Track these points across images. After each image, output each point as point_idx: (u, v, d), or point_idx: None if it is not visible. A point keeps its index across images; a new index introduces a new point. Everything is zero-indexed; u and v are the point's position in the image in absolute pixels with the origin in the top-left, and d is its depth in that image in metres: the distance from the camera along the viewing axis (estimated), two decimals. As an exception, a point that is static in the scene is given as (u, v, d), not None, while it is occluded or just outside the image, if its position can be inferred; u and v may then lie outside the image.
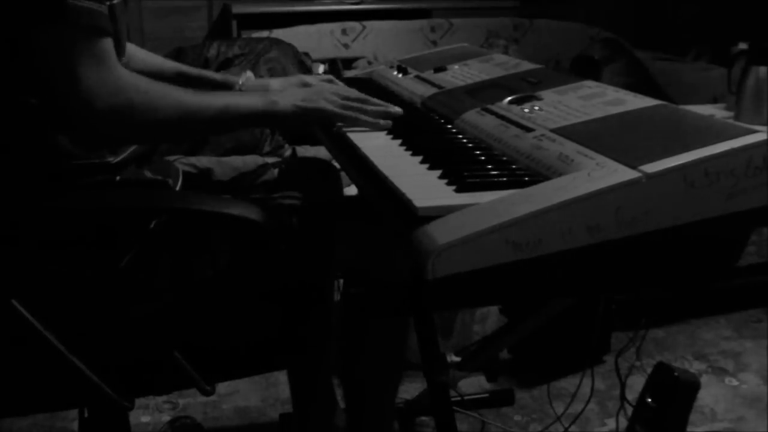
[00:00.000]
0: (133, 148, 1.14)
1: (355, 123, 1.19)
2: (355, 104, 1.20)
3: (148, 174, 1.18)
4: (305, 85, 1.34)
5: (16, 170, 1.05)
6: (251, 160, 1.39)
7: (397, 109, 1.23)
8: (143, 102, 1.01)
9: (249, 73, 1.43)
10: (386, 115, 1.22)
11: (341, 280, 1.47)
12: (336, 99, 1.19)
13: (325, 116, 1.18)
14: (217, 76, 1.46)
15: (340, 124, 1.26)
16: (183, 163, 1.32)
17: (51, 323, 1.03)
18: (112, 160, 1.10)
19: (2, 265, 1.03)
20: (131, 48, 1.36)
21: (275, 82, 1.39)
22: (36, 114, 1.03)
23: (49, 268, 1.06)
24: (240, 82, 1.38)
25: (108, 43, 1.00)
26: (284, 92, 1.19)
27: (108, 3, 1.01)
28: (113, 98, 0.98)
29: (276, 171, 1.36)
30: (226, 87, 1.38)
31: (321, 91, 1.20)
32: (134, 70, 1.09)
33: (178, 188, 1.20)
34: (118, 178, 1.11)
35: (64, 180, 1.06)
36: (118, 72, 1.00)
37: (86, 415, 1.37)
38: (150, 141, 1.19)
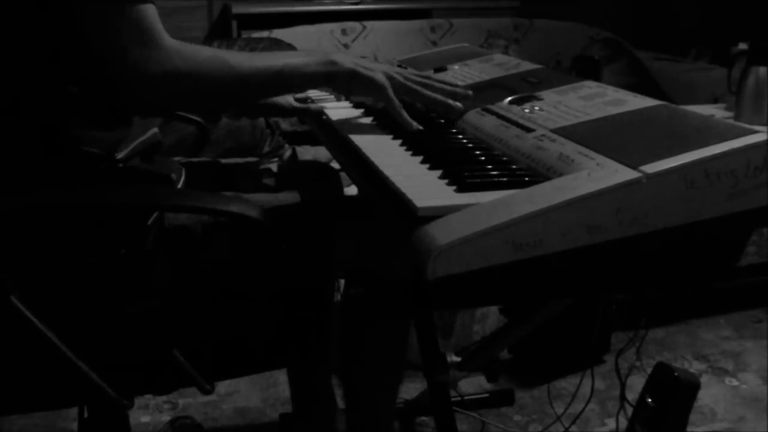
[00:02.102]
0: (134, 144, 1.14)
1: (397, 114, 1.18)
2: (413, 86, 1.20)
3: (150, 168, 1.18)
4: None
5: (21, 159, 1.05)
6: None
7: (466, 92, 1.23)
8: (195, 67, 1.02)
9: None
10: (453, 96, 1.21)
11: (342, 281, 1.46)
12: (396, 77, 1.18)
13: (377, 88, 1.17)
14: None
15: (341, 125, 1.26)
16: (184, 162, 1.33)
17: (50, 321, 1.03)
18: (116, 155, 1.10)
19: (1, 262, 1.03)
20: None
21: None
22: (63, 100, 1.03)
23: (49, 264, 1.06)
24: None
25: (151, 11, 1.00)
26: (344, 54, 1.19)
27: None
28: (164, 66, 0.99)
29: (275, 166, 1.36)
30: None
31: (381, 65, 1.21)
32: None
33: (180, 185, 1.21)
34: (120, 165, 1.11)
35: (67, 168, 1.06)
36: (165, 42, 1.00)
37: (86, 414, 1.37)
38: (206, 106, 1.20)
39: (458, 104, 1.21)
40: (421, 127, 1.17)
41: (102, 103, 1.03)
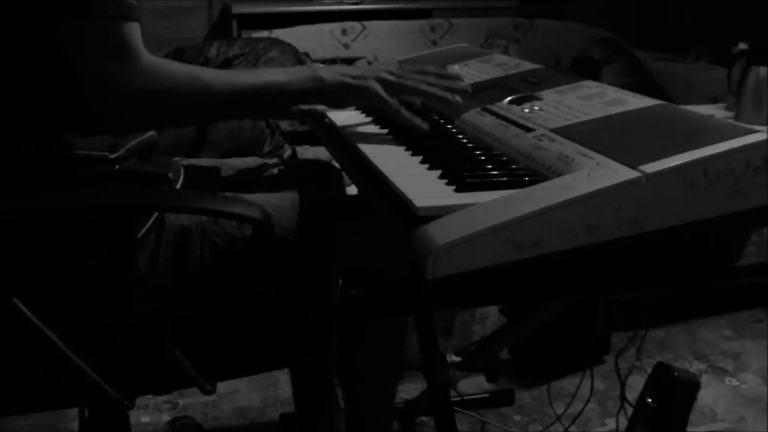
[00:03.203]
0: (131, 144, 1.14)
1: (396, 114, 1.16)
2: (408, 83, 1.17)
3: (148, 168, 1.18)
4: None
5: (17, 164, 1.05)
6: (251, 162, 1.39)
7: (465, 87, 1.22)
8: (168, 86, 1.02)
9: None
10: (450, 91, 1.19)
11: (341, 280, 1.46)
12: (388, 78, 1.16)
13: (370, 96, 1.15)
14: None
15: (341, 125, 1.26)
16: (183, 164, 1.33)
17: (51, 322, 1.03)
18: (109, 154, 1.10)
19: (3, 263, 1.03)
20: None
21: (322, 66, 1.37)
22: (45, 106, 1.03)
23: (50, 265, 1.06)
24: None
25: (134, 30, 1.00)
26: (330, 68, 1.17)
27: None
28: (139, 86, 0.99)
29: (276, 171, 1.36)
30: None
31: (372, 70, 1.18)
32: None
33: (179, 186, 1.21)
34: (117, 167, 1.11)
35: (63, 171, 1.06)
36: (142, 59, 1.00)
37: (86, 414, 1.37)
38: (183, 123, 1.19)
39: (457, 98, 1.19)
40: (427, 126, 1.16)
41: (80, 115, 1.03)
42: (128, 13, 0.99)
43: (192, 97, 1.05)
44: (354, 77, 1.15)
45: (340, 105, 1.21)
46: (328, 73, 1.14)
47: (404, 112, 1.16)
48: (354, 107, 1.30)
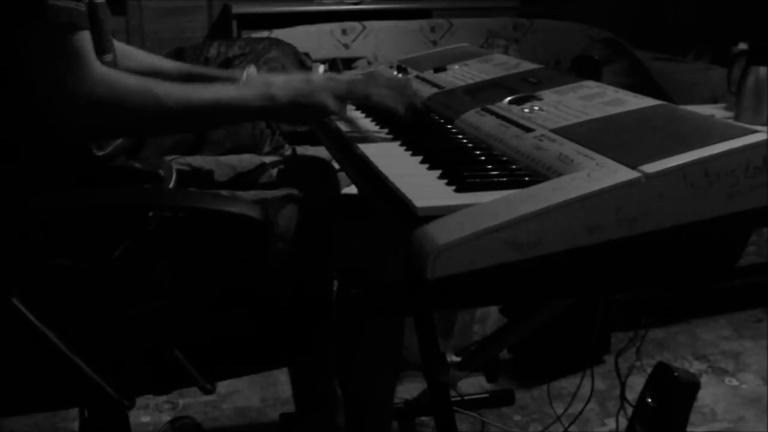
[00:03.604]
0: (118, 141, 1.14)
1: (349, 122, 1.20)
2: (359, 92, 1.20)
3: (138, 165, 1.18)
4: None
5: (13, 166, 1.05)
6: (248, 160, 1.39)
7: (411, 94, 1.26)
8: (119, 98, 1.01)
9: (252, 68, 1.41)
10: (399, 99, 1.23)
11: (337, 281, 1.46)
12: (337, 88, 1.17)
13: (322, 112, 1.17)
14: (220, 73, 1.46)
15: (341, 125, 1.26)
16: (179, 162, 1.32)
17: (51, 322, 1.03)
18: (97, 152, 1.10)
19: (2, 264, 1.03)
20: (130, 49, 1.36)
21: (278, 79, 1.37)
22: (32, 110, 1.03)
23: (49, 265, 1.06)
24: (243, 78, 1.38)
25: (85, 40, 1.00)
26: (285, 85, 1.17)
27: (87, 0, 1.02)
28: (88, 95, 0.99)
29: (275, 171, 1.35)
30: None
31: (323, 86, 1.18)
32: (129, 70, 1.08)
33: (171, 185, 1.20)
34: (108, 165, 1.11)
35: (54, 172, 1.06)
36: (91, 70, 1.00)
37: (86, 414, 1.37)
38: (133, 135, 1.19)
39: (399, 109, 1.21)
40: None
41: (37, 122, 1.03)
42: (79, 21, 0.99)
43: (142, 110, 1.04)
44: (305, 95, 1.15)
45: (293, 123, 1.22)
46: (281, 91, 1.13)
47: (356, 123, 1.19)
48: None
